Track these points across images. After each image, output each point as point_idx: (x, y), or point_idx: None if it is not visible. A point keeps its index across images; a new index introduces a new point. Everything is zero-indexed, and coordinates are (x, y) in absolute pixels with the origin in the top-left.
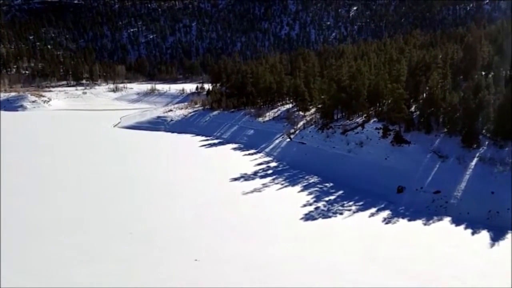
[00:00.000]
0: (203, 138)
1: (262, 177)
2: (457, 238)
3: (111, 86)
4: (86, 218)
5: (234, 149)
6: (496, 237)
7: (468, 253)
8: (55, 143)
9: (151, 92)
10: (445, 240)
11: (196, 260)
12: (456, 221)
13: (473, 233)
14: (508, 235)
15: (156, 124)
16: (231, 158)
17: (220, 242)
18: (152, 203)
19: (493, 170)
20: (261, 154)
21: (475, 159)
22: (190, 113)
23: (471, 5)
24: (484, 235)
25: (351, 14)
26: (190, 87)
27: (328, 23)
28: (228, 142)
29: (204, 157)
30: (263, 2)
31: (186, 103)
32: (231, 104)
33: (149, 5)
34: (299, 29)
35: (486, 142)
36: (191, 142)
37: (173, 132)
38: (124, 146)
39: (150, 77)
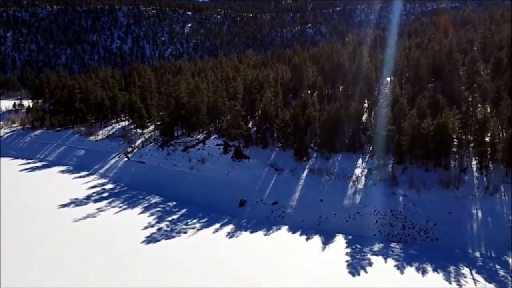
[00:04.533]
0: (24, 161)
1: (96, 201)
2: (293, 244)
3: None
4: None
5: (62, 172)
6: (326, 240)
7: (303, 258)
8: None
9: None
10: (283, 248)
11: None
12: (293, 229)
13: (307, 239)
14: (336, 238)
15: None
16: (58, 183)
17: (48, 279)
18: None
19: (321, 179)
20: (94, 176)
21: (306, 171)
22: (7, 133)
23: (296, 28)
24: (316, 240)
25: (186, 31)
26: (6, 104)
27: (163, 38)
28: (54, 165)
29: (26, 183)
30: (90, 14)
31: (1, 123)
32: (56, 122)
33: None
34: (132, 43)
35: (314, 155)
36: (9, 166)
37: None
38: None
39: None
